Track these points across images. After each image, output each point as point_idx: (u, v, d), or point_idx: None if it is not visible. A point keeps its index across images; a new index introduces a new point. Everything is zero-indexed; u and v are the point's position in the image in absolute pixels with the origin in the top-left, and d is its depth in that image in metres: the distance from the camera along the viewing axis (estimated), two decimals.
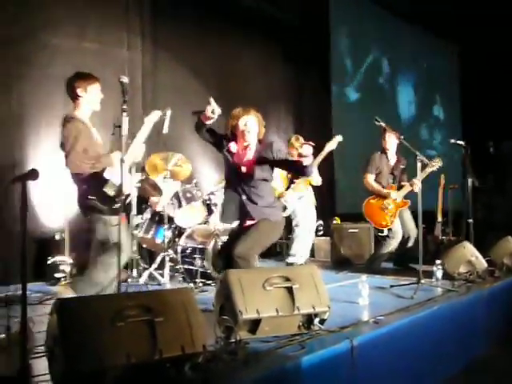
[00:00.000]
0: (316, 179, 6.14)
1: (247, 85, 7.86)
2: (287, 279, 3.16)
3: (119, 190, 3.56)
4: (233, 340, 2.94)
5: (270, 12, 8.37)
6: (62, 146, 3.73)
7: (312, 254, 7.38)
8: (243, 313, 2.97)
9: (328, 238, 7.25)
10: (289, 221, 6.31)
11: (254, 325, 3.07)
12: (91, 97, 3.86)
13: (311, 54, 8.93)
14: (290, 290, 3.14)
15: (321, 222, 7.49)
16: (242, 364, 2.66)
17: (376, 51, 10.62)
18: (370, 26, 10.28)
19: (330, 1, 9.36)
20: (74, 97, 3.84)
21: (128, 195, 3.79)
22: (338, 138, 6.03)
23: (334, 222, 7.36)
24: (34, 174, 2.11)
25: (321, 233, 7.52)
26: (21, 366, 2.16)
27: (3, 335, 2.51)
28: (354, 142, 9.08)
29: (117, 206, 3.59)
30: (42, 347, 2.69)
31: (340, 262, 6.69)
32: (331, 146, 6.02)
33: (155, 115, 4.17)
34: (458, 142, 6.44)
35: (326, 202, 8.68)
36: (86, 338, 2.22)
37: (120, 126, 3.26)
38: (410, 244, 6.04)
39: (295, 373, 2.77)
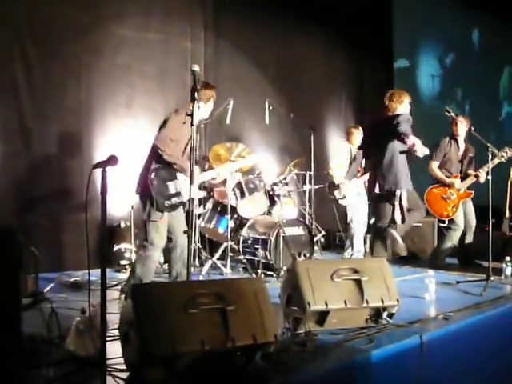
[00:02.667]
0: None
1: (307, 73, 7.79)
2: (356, 271, 3.11)
3: (179, 193, 3.74)
4: (301, 331, 2.93)
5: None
6: (160, 128, 3.86)
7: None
8: (311, 304, 2.95)
9: None
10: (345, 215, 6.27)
11: (322, 317, 3.05)
12: (208, 108, 4.05)
13: (373, 40, 8.74)
14: (358, 282, 3.09)
15: None
16: (311, 356, 2.64)
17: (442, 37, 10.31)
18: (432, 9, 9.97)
19: None
20: (203, 100, 3.91)
21: (183, 203, 3.87)
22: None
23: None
24: (114, 160, 2.15)
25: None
26: (98, 349, 2.20)
27: (79, 318, 2.57)
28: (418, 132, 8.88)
29: (168, 203, 3.72)
30: (113, 331, 2.76)
31: (401, 257, 6.53)
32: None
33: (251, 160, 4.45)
34: None
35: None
36: (160, 324, 2.25)
37: (191, 115, 3.28)
38: (470, 238, 5.85)
39: (364, 366, 2.73)
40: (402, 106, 4.86)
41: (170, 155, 3.75)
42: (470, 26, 10.91)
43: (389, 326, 3.15)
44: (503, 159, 5.49)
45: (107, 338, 2.68)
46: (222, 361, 2.38)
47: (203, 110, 3.96)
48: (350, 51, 8.56)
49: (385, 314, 3.16)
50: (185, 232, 3.46)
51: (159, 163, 3.80)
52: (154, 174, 3.77)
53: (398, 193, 4.73)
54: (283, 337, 2.86)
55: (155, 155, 3.81)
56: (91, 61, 5.70)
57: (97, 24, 5.72)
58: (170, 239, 3.93)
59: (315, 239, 6.19)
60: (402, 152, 4.77)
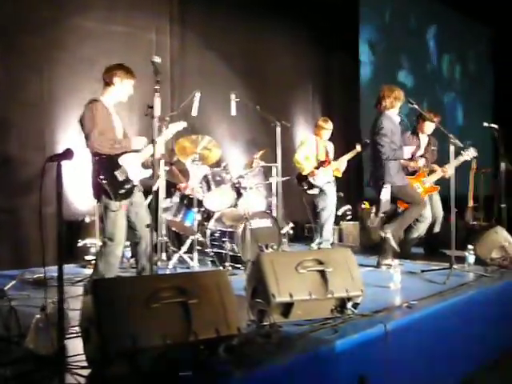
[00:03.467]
0: (340, 170, 6.28)
1: (275, 66, 7.78)
2: (320, 262, 3.12)
3: (127, 178, 3.78)
4: (266, 323, 2.93)
5: None
6: (82, 126, 3.84)
7: (340, 239, 7.34)
8: (276, 296, 2.94)
9: (356, 222, 7.18)
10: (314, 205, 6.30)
11: (287, 308, 3.05)
12: (123, 89, 3.97)
13: (340, 34, 8.78)
14: (323, 273, 3.09)
15: (349, 206, 7.42)
16: (275, 347, 2.64)
17: (407, 31, 10.41)
18: (402, 4, 10.07)
19: None
20: (108, 83, 3.93)
21: (135, 186, 3.90)
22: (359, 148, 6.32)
23: (363, 206, 7.27)
24: (69, 154, 2.10)
25: (349, 217, 7.44)
26: (57, 346, 2.16)
27: (39, 316, 2.52)
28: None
29: (123, 191, 3.74)
30: (76, 328, 2.72)
31: (369, 247, 6.62)
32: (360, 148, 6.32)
33: (180, 125, 4.22)
34: (492, 125, 6.29)
35: (354, 187, 8.61)
36: (121, 319, 2.22)
37: (152, 107, 3.24)
38: (437, 228, 5.96)
39: (329, 356, 2.75)
40: (393, 107, 5.11)
41: (103, 146, 3.77)
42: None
43: (353, 316, 3.16)
44: (468, 158, 5.60)
45: (68, 335, 2.67)
46: (184, 355, 2.36)
47: (117, 92, 3.94)
48: (317, 44, 8.59)
49: (349, 304, 3.18)
50: (148, 226, 3.44)
51: (98, 156, 3.80)
52: (98, 168, 3.79)
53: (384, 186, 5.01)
54: (248, 329, 2.86)
55: (93, 152, 3.83)
56: (54, 54, 5.59)
57: (60, 17, 5.61)
58: (135, 234, 3.90)
59: (283, 231, 6.21)
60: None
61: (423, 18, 10.78)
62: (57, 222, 2.16)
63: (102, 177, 3.75)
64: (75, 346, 2.53)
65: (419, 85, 10.35)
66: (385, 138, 5.02)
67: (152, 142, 3.28)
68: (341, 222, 7.29)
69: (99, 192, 3.80)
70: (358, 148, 6.32)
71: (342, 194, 7.17)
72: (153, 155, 3.39)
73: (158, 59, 3.41)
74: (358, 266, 3.32)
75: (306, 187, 6.14)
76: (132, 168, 3.85)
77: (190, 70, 6.75)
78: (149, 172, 3.97)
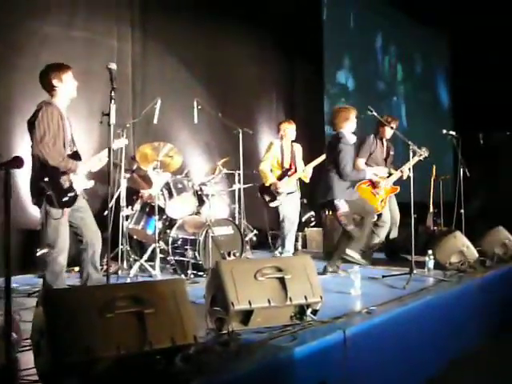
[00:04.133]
0: (307, 176, 6.23)
1: (238, 74, 7.79)
2: (279, 270, 3.12)
3: (71, 186, 3.75)
4: (224, 331, 2.91)
5: (265, 2, 8.27)
6: (32, 128, 3.75)
7: (304, 245, 7.37)
8: (235, 304, 2.93)
9: (320, 228, 7.22)
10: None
11: (246, 316, 3.04)
12: (67, 85, 3.90)
13: (304, 42, 8.86)
14: (282, 280, 3.10)
15: (312, 213, 7.46)
16: (234, 355, 2.63)
17: (370, 40, 10.57)
18: (364, 13, 10.22)
19: None
20: (50, 88, 3.87)
21: (77, 196, 3.84)
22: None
23: (326, 213, 7.31)
24: (17, 162, 2.05)
25: (312, 224, 7.48)
26: (6, 360, 2.10)
27: None
28: None
29: (66, 199, 3.69)
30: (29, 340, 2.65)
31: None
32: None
33: (122, 142, 4.22)
34: (450, 132, 6.44)
35: (318, 193, 8.64)
36: (74, 330, 2.17)
37: (108, 114, 3.20)
38: (395, 233, 6.03)
39: (287, 364, 2.74)
40: (347, 124, 5.15)
41: (52, 157, 3.70)
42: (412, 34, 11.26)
43: (313, 323, 3.17)
44: (421, 158, 5.70)
45: (21, 348, 2.60)
46: (140, 365, 2.32)
47: (63, 92, 3.89)
48: (281, 51, 8.64)
49: (309, 311, 3.19)
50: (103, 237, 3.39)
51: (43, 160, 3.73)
52: (41, 173, 3.71)
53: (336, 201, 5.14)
54: (206, 337, 2.84)
55: (38, 157, 3.74)
56: (12, 59, 5.47)
57: (18, 21, 5.48)
58: (80, 241, 3.85)
59: (246, 238, 6.20)
60: None
61: (381, 27, 10.95)
62: (4, 232, 2.10)
63: (46, 180, 3.67)
64: (28, 360, 2.46)
65: (363, 86, 10.46)
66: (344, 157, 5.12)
67: (108, 150, 3.23)
68: (305, 229, 7.32)
69: (40, 198, 3.71)
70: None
71: (305, 201, 7.21)
72: (108, 163, 3.33)
73: (113, 66, 3.36)
74: (317, 272, 3.34)
75: (268, 199, 6.08)
76: (77, 177, 3.82)
77: (151, 77, 6.70)
78: (91, 183, 3.95)
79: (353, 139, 5.21)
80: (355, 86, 10.06)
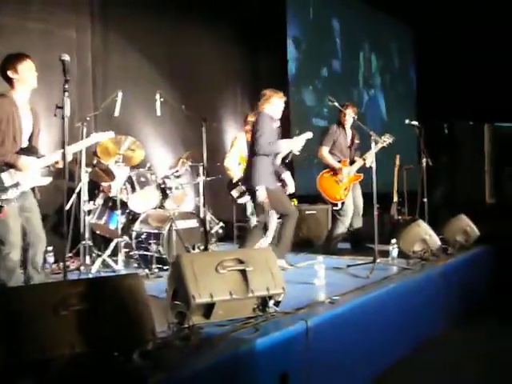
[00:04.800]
0: None
1: (202, 68, 7.71)
2: (241, 262, 3.11)
3: (16, 183, 3.61)
4: (186, 325, 2.89)
5: None
6: None
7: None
8: (196, 297, 2.91)
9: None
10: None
11: (208, 309, 3.02)
12: (24, 76, 3.77)
13: (267, 34, 8.82)
14: (243, 272, 3.08)
15: None
16: (194, 349, 2.60)
17: (332, 32, 10.60)
18: (328, 7, 10.24)
19: None
20: (7, 80, 3.76)
21: (25, 192, 3.73)
22: (308, 135, 6.20)
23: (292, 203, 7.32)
24: None
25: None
26: None
27: None
28: (311, 124, 9.10)
29: (4, 196, 3.57)
30: None
31: (299, 244, 6.67)
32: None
33: (106, 135, 4.09)
34: (413, 122, 6.51)
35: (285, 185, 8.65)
36: (27, 329, 2.12)
37: (62, 107, 3.12)
38: (359, 223, 6.07)
39: (249, 356, 2.73)
40: (270, 106, 5.00)
41: None
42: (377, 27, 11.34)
43: (275, 314, 3.16)
44: (385, 144, 5.75)
45: None
46: (98, 362, 2.28)
47: (22, 83, 3.79)
48: (245, 44, 8.59)
49: (271, 303, 3.18)
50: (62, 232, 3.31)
51: None
52: None
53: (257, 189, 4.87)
54: (167, 332, 2.81)
55: None
56: None
57: None
58: (23, 240, 3.75)
59: (212, 231, 6.17)
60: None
61: (347, 14, 10.99)
62: None
63: None
64: None
65: (343, 79, 10.51)
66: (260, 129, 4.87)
67: (63, 144, 3.15)
68: None
69: None
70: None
71: None
72: (64, 158, 3.24)
73: (67, 57, 3.28)
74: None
75: (236, 195, 6.05)
76: (26, 174, 3.69)
77: (113, 70, 6.58)
78: (47, 180, 3.84)
79: (274, 119, 5.01)
80: (322, 78, 10.07)
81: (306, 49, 9.88)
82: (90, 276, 4.63)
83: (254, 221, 5.98)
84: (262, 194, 4.81)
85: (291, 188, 5.39)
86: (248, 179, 4.95)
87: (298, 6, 9.59)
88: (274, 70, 9.04)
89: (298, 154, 5.13)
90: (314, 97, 9.84)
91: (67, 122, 3.15)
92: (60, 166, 3.86)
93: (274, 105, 5.00)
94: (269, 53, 8.91)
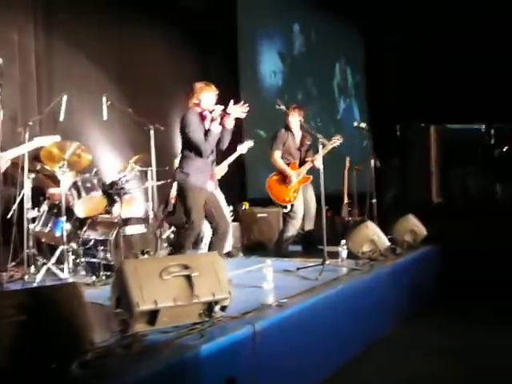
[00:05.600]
0: (220, 174, 6.18)
1: (152, 72, 7.62)
2: (186, 267, 3.07)
3: None
4: (129, 333, 2.83)
5: None
6: None
7: None
8: (139, 304, 2.85)
9: (237, 223, 7.22)
10: None
11: (153, 316, 2.96)
12: None
13: (218, 39, 8.80)
14: (188, 278, 3.04)
15: (230, 207, 7.44)
16: (136, 358, 2.55)
17: (283, 36, 10.68)
18: (276, 10, 10.31)
19: None
20: None
21: None
22: (249, 144, 6.35)
23: (243, 207, 7.33)
24: None
25: (231, 219, 7.46)
26: None
27: None
28: (264, 127, 9.12)
29: None
30: None
31: (250, 248, 6.68)
32: (242, 150, 6.34)
33: (49, 139, 3.98)
34: (361, 125, 6.60)
35: (237, 188, 8.66)
36: None
37: None
38: (310, 225, 6.10)
39: (193, 362, 2.69)
40: (201, 100, 4.61)
41: None
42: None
43: (222, 319, 3.13)
44: (335, 145, 5.81)
45: None
46: (35, 374, 2.21)
47: None
48: (195, 49, 8.53)
49: (217, 308, 3.15)
50: None
51: None
52: None
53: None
54: (110, 341, 2.75)
55: None
56: None
57: None
58: None
59: (164, 236, 6.10)
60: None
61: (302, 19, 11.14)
62: None
63: None
64: None
65: (285, 83, 10.66)
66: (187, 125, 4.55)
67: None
68: None
69: None
70: (240, 149, 6.35)
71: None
72: None
73: None
74: (232, 268, 3.31)
75: None
76: None
77: (58, 73, 6.42)
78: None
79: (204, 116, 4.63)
80: (273, 83, 10.13)
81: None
82: (34, 285, 4.50)
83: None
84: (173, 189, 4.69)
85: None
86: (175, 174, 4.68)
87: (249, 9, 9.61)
88: (224, 74, 9.02)
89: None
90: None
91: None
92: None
93: (205, 99, 4.62)
94: (219, 57, 8.88)
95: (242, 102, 4.60)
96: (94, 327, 2.41)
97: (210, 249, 4.68)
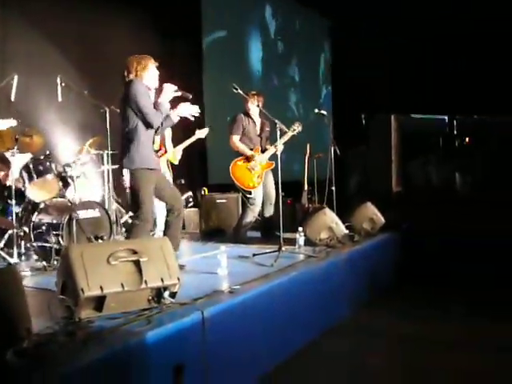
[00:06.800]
0: (176, 158, 6.09)
1: (113, 53, 7.41)
2: (134, 252, 3.00)
3: None
4: (73, 320, 2.76)
5: None
6: None
7: (183, 226, 7.25)
8: (85, 290, 2.78)
9: (197, 209, 7.16)
10: None
11: (100, 302, 2.90)
12: None
13: (183, 23, 8.66)
14: (137, 263, 2.98)
15: (190, 193, 7.37)
16: (80, 345, 2.49)
17: (246, 19, 10.60)
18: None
19: None
20: None
21: None
22: (206, 131, 6.38)
23: (202, 193, 7.26)
24: None
25: (191, 204, 7.40)
26: None
27: None
28: (225, 111, 9.03)
29: None
30: None
31: (209, 234, 6.63)
32: (200, 135, 6.32)
33: (5, 123, 3.87)
34: (322, 112, 6.58)
35: (197, 173, 8.59)
36: None
37: None
38: (270, 211, 6.08)
39: (140, 349, 2.65)
40: (145, 72, 4.29)
41: None
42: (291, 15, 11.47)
43: (172, 306, 3.08)
44: (295, 132, 5.80)
45: None
46: None
47: None
48: (158, 31, 8.35)
49: (166, 294, 3.10)
50: None
51: None
52: None
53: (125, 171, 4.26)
54: (54, 328, 2.67)
55: None
56: None
57: None
58: None
59: (122, 221, 6.00)
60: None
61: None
62: None
63: None
64: None
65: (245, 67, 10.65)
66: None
67: None
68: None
69: None
70: (199, 134, 6.30)
71: (182, 181, 7.11)
72: None
73: None
74: (189, 253, 3.24)
75: None
76: None
77: (13, 53, 6.21)
78: None
79: (149, 89, 4.32)
80: (235, 67, 10.04)
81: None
82: None
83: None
84: (126, 178, 4.24)
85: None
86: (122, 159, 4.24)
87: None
88: (188, 58, 8.90)
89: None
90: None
91: None
92: None
93: (149, 72, 4.30)
94: (183, 41, 8.74)
95: (197, 108, 4.32)
96: (31, 314, 2.32)
97: (166, 229, 4.39)
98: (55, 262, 4.61)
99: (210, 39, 9.47)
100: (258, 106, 5.64)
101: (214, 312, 3.12)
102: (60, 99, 5.29)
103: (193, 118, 4.38)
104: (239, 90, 4.94)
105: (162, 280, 3.02)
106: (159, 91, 4.34)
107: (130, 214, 6.19)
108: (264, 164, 5.95)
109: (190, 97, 4.37)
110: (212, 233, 6.64)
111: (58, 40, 6.73)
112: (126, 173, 4.20)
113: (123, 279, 2.91)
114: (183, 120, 5.83)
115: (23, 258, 4.92)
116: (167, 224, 4.41)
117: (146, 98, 4.15)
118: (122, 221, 6.07)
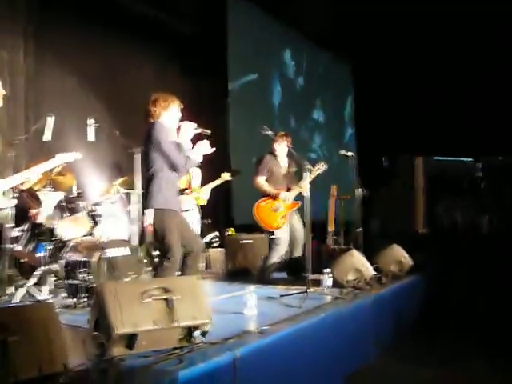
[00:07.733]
0: (203, 199, 6.17)
1: (142, 96, 7.61)
2: (166, 290, 3.02)
3: None
4: (106, 357, 2.76)
5: (167, 21, 8.22)
6: None
7: (208, 266, 7.28)
8: (118, 327, 2.79)
9: (223, 249, 7.18)
10: None
11: (131, 340, 2.90)
12: None
13: (209, 65, 8.87)
14: (169, 301, 2.99)
15: (216, 233, 7.40)
16: (112, 382, 2.49)
17: (271, 62, 10.82)
18: (267, 37, 10.46)
19: (229, 12, 9.37)
20: None
21: None
22: (226, 176, 6.64)
23: (228, 233, 7.29)
24: None
25: (216, 244, 7.42)
26: None
27: None
28: (252, 153, 9.14)
29: None
30: None
31: (234, 274, 6.63)
32: (226, 177, 6.59)
33: (72, 156, 4.11)
34: (348, 153, 6.63)
35: (223, 214, 8.63)
36: None
37: None
38: (299, 252, 6.06)
39: None
40: (168, 112, 4.35)
41: None
42: (317, 59, 11.78)
43: (202, 345, 3.07)
44: (320, 171, 5.82)
45: None
46: None
47: None
48: (186, 72, 8.58)
49: (197, 333, 3.10)
50: None
51: None
52: None
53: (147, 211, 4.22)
54: (87, 365, 2.68)
55: None
56: None
57: None
58: None
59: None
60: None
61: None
62: None
63: None
64: None
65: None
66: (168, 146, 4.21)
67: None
68: (208, 249, 7.24)
69: None
70: (225, 176, 6.40)
71: (209, 221, 7.16)
72: None
73: None
74: (216, 293, 3.25)
75: None
76: None
77: (47, 92, 6.43)
78: (13, 202, 3.64)
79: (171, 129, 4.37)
80: (260, 108, 10.20)
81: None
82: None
83: None
84: (149, 218, 4.14)
85: None
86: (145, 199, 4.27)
87: (237, 41, 9.70)
88: (215, 100, 9.07)
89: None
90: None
91: None
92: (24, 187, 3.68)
93: (171, 111, 4.35)
94: (210, 83, 8.93)
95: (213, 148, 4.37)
96: (68, 350, 2.34)
97: (184, 269, 4.30)
98: (84, 300, 4.65)
99: (236, 81, 9.65)
100: (287, 146, 5.70)
101: (244, 352, 3.09)
102: (92, 139, 5.41)
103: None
104: (268, 132, 5.02)
105: (194, 319, 3.02)
106: (177, 130, 4.41)
107: (158, 252, 6.25)
108: (289, 204, 5.96)
109: (209, 133, 4.42)
110: (237, 273, 6.63)
111: (89, 80, 6.96)
112: (147, 213, 4.17)
113: (155, 317, 2.92)
114: (212, 161, 5.92)
115: (51, 295, 4.95)
116: (185, 265, 4.33)
117: (169, 142, 4.21)
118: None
